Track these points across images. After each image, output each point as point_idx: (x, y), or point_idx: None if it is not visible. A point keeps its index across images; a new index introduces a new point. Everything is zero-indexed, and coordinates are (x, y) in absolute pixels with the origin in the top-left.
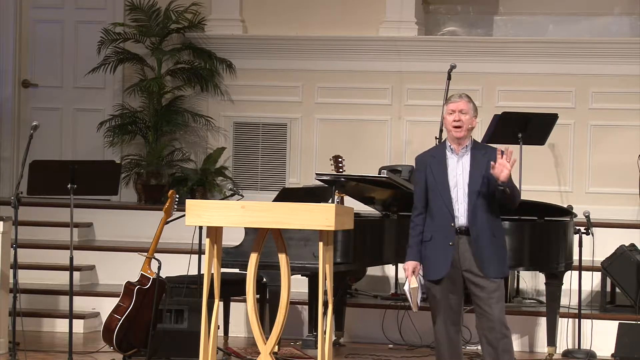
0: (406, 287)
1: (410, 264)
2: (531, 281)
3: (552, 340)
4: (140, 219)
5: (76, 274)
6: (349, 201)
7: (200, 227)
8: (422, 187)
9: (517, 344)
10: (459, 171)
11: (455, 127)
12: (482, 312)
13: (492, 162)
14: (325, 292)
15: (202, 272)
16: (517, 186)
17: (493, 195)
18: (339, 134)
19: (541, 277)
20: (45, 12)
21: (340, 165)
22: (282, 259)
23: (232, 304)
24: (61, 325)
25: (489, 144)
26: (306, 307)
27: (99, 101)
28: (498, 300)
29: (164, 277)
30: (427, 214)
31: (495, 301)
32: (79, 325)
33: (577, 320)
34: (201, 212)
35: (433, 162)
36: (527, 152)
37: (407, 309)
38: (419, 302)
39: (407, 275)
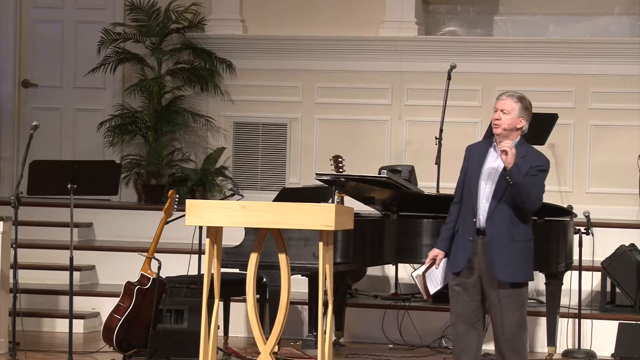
0: (414, 273)
1: (432, 252)
2: (531, 281)
3: (552, 340)
4: (140, 219)
5: (76, 274)
6: (349, 201)
7: (200, 227)
8: (462, 177)
9: None
10: (492, 169)
11: (494, 124)
12: (493, 316)
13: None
14: (325, 292)
15: (202, 272)
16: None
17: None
18: (339, 134)
19: (541, 277)
20: (45, 12)
21: (340, 165)
22: (282, 259)
23: (232, 304)
24: (61, 325)
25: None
26: (306, 307)
27: (99, 101)
28: (510, 306)
29: (164, 277)
30: (461, 206)
31: (506, 307)
32: (79, 325)
33: (577, 320)
34: (201, 212)
35: (476, 153)
36: None
37: (408, 308)
38: (430, 290)
39: (426, 261)
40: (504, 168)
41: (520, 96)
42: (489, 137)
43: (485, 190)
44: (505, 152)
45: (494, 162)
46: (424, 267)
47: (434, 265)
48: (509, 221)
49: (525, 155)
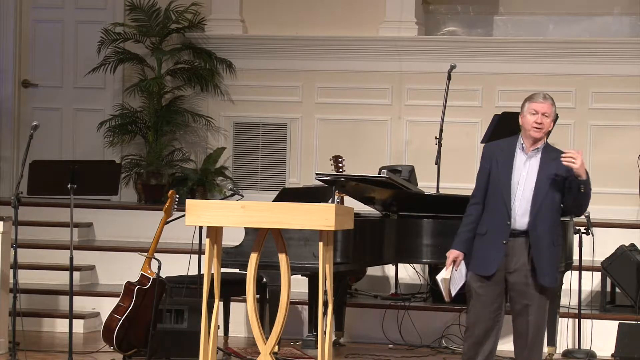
0: (439, 276)
1: (452, 253)
2: None
3: (552, 340)
4: (140, 219)
5: (76, 274)
6: (349, 201)
7: (200, 227)
8: (484, 178)
9: None
10: (524, 172)
11: (536, 128)
12: (521, 317)
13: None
14: (325, 292)
15: (202, 272)
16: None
17: (558, 202)
18: (339, 134)
19: None
20: (45, 12)
21: (340, 165)
22: (282, 259)
23: (232, 304)
24: (61, 325)
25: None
26: (306, 307)
27: (99, 101)
28: (542, 308)
29: (164, 277)
30: (485, 207)
31: (539, 309)
32: (79, 325)
33: (577, 320)
34: (201, 212)
35: (501, 155)
36: None
37: (408, 308)
38: (452, 292)
39: (447, 263)
40: (576, 176)
41: (552, 98)
42: (490, 136)
43: (519, 194)
44: (573, 163)
45: (524, 165)
46: (448, 270)
47: (455, 267)
48: (550, 226)
49: (556, 157)
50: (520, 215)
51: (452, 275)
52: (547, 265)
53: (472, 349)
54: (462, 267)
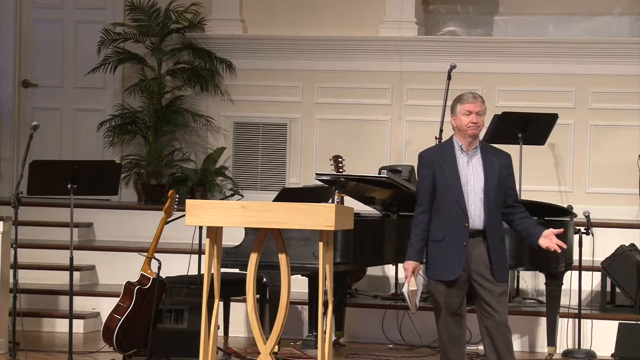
0: (405, 289)
1: (411, 265)
2: (531, 281)
3: (552, 340)
4: (140, 219)
5: (76, 274)
6: (349, 201)
7: (200, 227)
8: (430, 185)
9: (517, 344)
10: (470, 171)
11: (472, 128)
12: (488, 315)
13: (545, 239)
14: (325, 292)
15: (202, 272)
16: (518, 187)
17: (501, 200)
18: (339, 134)
19: (541, 277)
20: (45, 12)
21: (340, 165)
22: (282, 259)
23: (232, 304)
24: (61, 325)
25: (492, 145)
26: (306, 307)
27: (99, 101)
28: (503, 303)
29: (164, 277)
30: (435, 213)
31: (501, 305)
32: (79, 325)
33: (577, 320)
34: (201, 212)
35: (442, 159)
36: (527, 152)
37: (407, 309)
38: (417, 303)
39: (406, 276)
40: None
41: (482, 97)
42: (491, 136)
43: (470, 196)
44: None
45: (467, 166)
46: (412, 282)
47: (415, 277)
48: (498, 223)
49: (495, 154)
50: (477, 215)
51: (417, 286)
52: (503, 261)
53: (452, 350)
54: (419, 277)
